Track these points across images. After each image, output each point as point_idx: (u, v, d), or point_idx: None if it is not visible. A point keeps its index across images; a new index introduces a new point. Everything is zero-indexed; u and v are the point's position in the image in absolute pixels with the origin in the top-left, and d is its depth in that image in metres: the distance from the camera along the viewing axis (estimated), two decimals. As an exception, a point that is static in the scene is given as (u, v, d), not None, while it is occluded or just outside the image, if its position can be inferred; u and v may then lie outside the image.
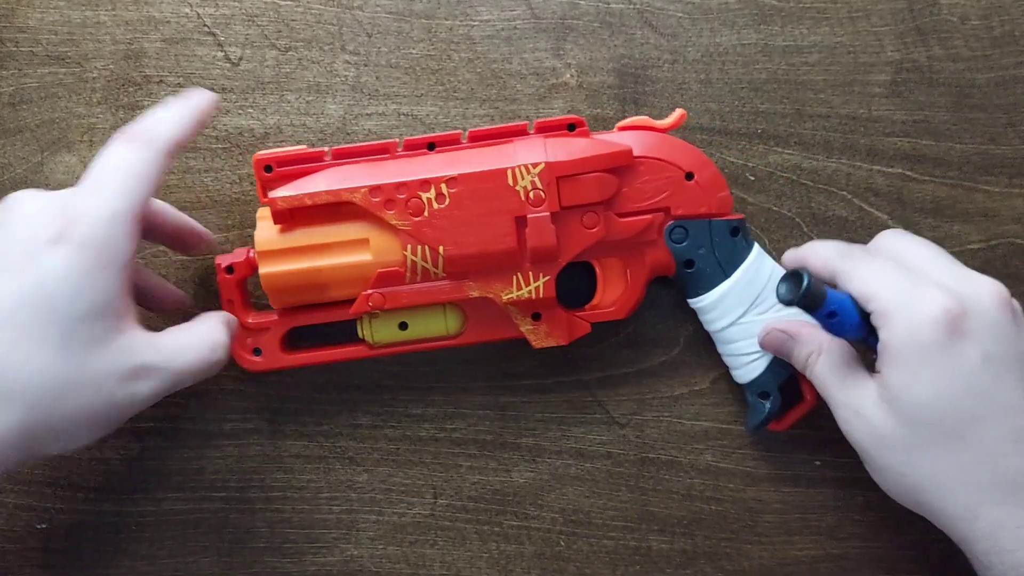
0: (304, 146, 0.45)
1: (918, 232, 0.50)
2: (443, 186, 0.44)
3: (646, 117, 0.46)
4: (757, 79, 0.50)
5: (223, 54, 0.49)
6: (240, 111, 0.49)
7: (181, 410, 0.50)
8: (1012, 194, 0.50)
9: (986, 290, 0.41)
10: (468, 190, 0.44)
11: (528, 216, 0.44)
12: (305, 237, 0.45)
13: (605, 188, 0.44)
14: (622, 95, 0.50)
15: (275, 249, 0.45)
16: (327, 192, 0.44)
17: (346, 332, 0.48)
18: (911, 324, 0.40)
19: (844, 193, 0.50)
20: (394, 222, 0.44)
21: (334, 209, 0.45)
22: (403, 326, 0.46)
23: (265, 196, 0.45)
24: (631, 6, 0.50)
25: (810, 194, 0.50)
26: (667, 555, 0.50)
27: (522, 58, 0.49)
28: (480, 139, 0.46)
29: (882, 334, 0.41)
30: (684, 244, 0.45)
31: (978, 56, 0.50)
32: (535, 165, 0.44)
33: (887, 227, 0.50)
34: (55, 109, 0.49)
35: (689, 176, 0.45)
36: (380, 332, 0.47)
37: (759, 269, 0.46)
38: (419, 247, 0.44)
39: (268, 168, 0.45)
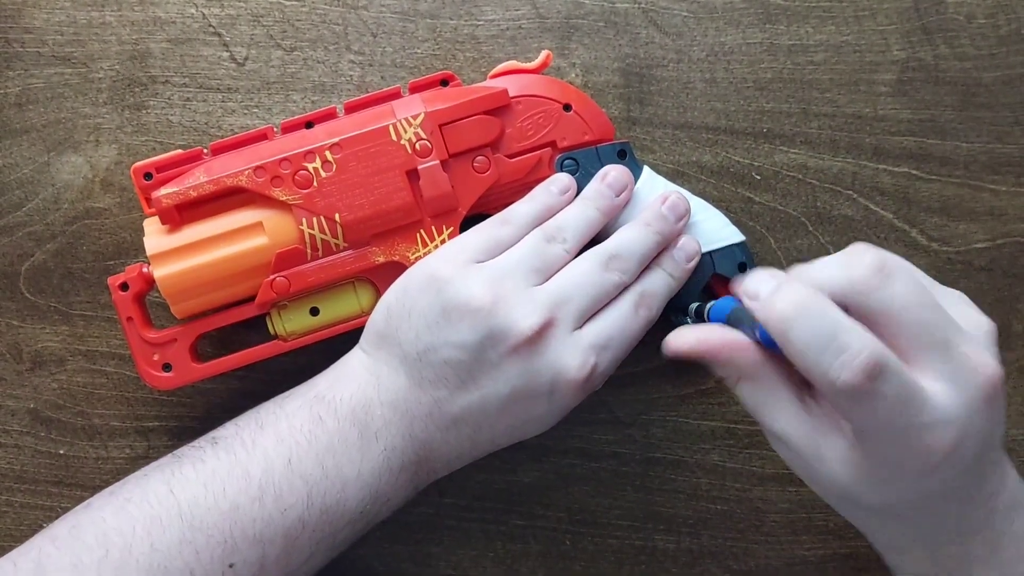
0: (179, 149, 0.45)
1: (925, 231, 0.50)
2: (327, 153, 0.44)
3: (513, 61, 0.47)
4: (762, 78, 0.50)
5: (228, 54, 0.49)
6: (245, 111, 0.49)
7: (186, 409, 0.50)
8: (1019, 193, 0.50)
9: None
10: (353, 153, 0.44)
11: (419, 168, 0.44)
12: (196, 233, 0.44)
13: (488, 130, 0.45)
14: (627, 94, 0.50)
15: (167, 250, 0.43)
16: (210, 181, 0.43)
17: (267, 335, 0.46)
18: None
19: (850, 192, 0.50)
20: (284, 198, 0.43)
21: (222, 201, 0.44)
22: (314, 311, 0.45)
23: (149, 206, 0.44)
24: (636, 5, 0.50)
25: (816, 193, 0.50)
26: (673, 554, 0.50)
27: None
28: (356, 109, 0.46)
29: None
30: (577, 174, 0.46)
31: (984, 55, 0.50)
32: (415, 116, 0.44)
33: (893, 226, 0.50)
34: (61, 109, 0.49)
35: (567, 108, 0.46)
36: (291, 322, 0.45)
37: (652, 188, 0.46)
38: (314, 219, 0.44)
39: (148, 176, 0.44)
